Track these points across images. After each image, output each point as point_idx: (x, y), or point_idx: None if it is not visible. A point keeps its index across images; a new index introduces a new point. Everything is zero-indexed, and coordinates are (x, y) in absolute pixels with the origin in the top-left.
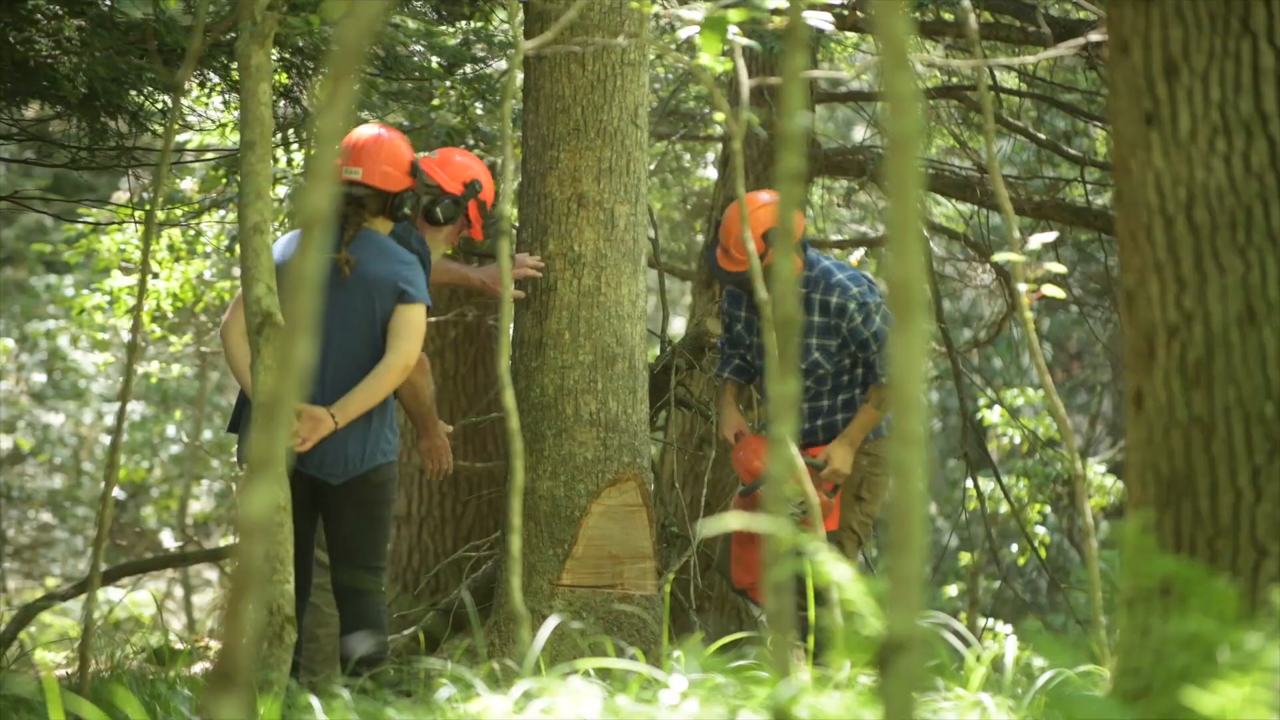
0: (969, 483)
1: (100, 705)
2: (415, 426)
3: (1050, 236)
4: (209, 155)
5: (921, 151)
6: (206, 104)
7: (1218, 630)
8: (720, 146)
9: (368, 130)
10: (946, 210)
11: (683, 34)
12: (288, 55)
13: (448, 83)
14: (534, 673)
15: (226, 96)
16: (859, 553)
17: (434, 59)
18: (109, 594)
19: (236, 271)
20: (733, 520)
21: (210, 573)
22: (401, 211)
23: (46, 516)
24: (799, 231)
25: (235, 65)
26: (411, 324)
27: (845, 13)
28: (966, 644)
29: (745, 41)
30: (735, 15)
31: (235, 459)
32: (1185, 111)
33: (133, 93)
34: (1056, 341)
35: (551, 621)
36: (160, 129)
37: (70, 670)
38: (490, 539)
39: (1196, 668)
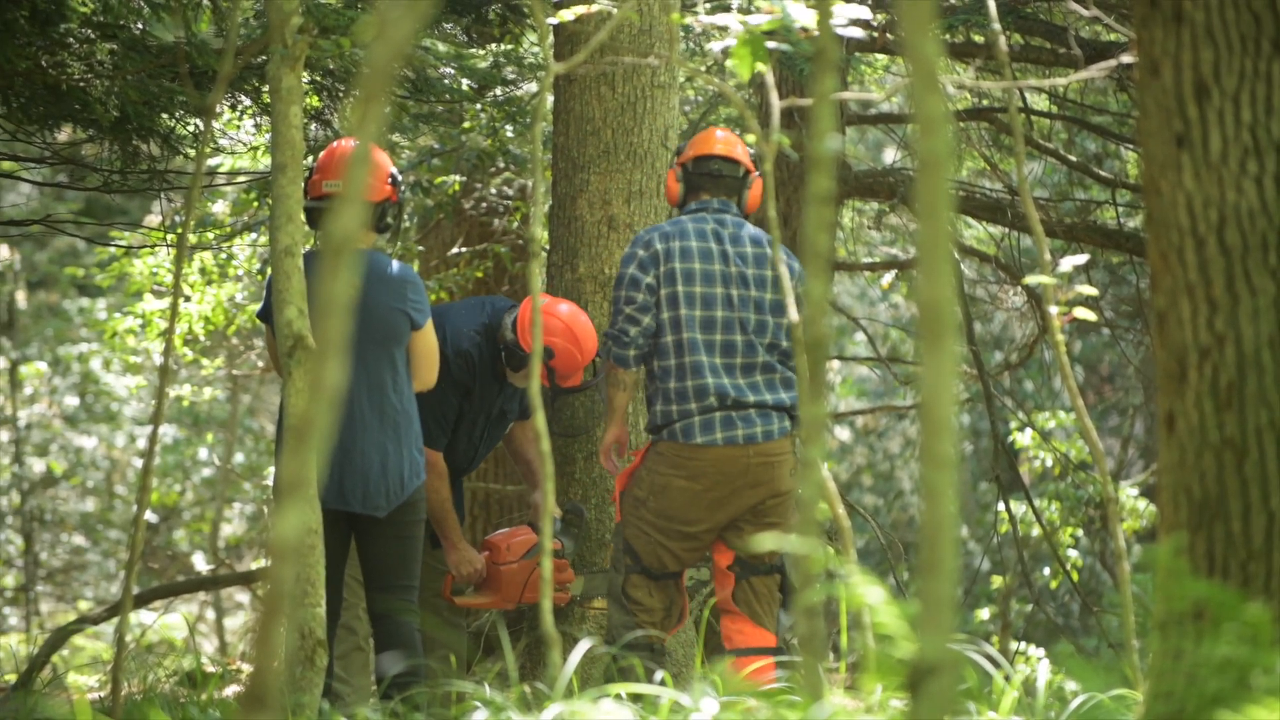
0: (1000, 506)
1: None
2: (437, 534)
3: (1081, 259)
4: (241, 178)
5: (952, 174)
6: (238, 127)
7: (1251, 654)
8: None
9: (346, 142)
10: (977, 232)
11: (715, 47)
12: (319, 78)
13: (478, 105)
14: (565, 696)
15: (258, 119)
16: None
17: (464, 81)
18: (141, 617)
19: None
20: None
21: (242, 596)
22: (384, 222)
23: (79, 540)
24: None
25: (266, 88)
26: (429, 348)
27: (875, 34)
28: (998, 667)
29: (776, 44)
30: (767, 25)
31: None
32: (1216, 133)
33: (164, 116)
34: (1088, 364)
35: (583, 645)
36: (192, 152)
37: (102, 693)
38: None
39: (1230, 692)
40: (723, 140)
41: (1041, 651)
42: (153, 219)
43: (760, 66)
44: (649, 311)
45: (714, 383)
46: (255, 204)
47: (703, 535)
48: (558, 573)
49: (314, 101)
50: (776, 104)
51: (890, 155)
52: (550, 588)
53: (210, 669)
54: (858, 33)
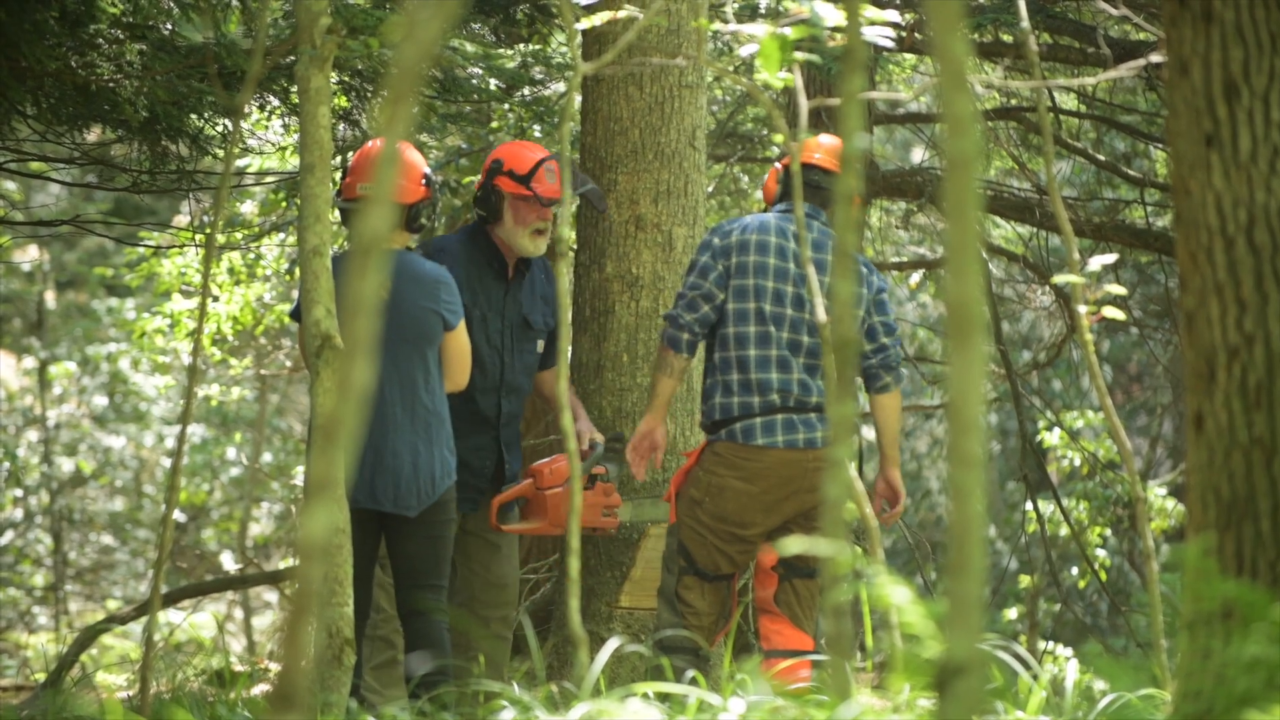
0: (1028, 505)
1: None
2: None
3: (1110, 258)
4: (269, 179)
5: (980, 173)
6: (266, 127)
7: None
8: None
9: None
10: (1005, 232)
11: (743, 51)
12: (347, 78)
13: (506, 105)
14: (593, 695)
15: (286, 120)
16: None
17: (492, 81)
18: (170, 616)
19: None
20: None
21: (270, 595)
22: (418, 223)
23: (108, 539)
24: None
25: (295, 88)
26: (462, 349)
27: (904, 34)
28: (1026, 667)
29: (805, 56)
30: (796, 32)
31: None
32: (1246, 132)
33: (193, 116)
34: (1116, 363)
35: (610, 644)
36: (221, 152)
37: (131, 692)
38: (548, 561)
39: (1258, 692)
40: (826, 152)
41: (1069, 651)
42: (181, 219)
43: (785, 75)
44: (711, 301)
45: (778, 378)
46: (283, 204)
47: (756, 539)
48: (604, 497)
49: (342, 102)
50: (804, 104)
51: (918, 154)
52: (578, 586)
53: (238, 668)
54: (887, 43)
